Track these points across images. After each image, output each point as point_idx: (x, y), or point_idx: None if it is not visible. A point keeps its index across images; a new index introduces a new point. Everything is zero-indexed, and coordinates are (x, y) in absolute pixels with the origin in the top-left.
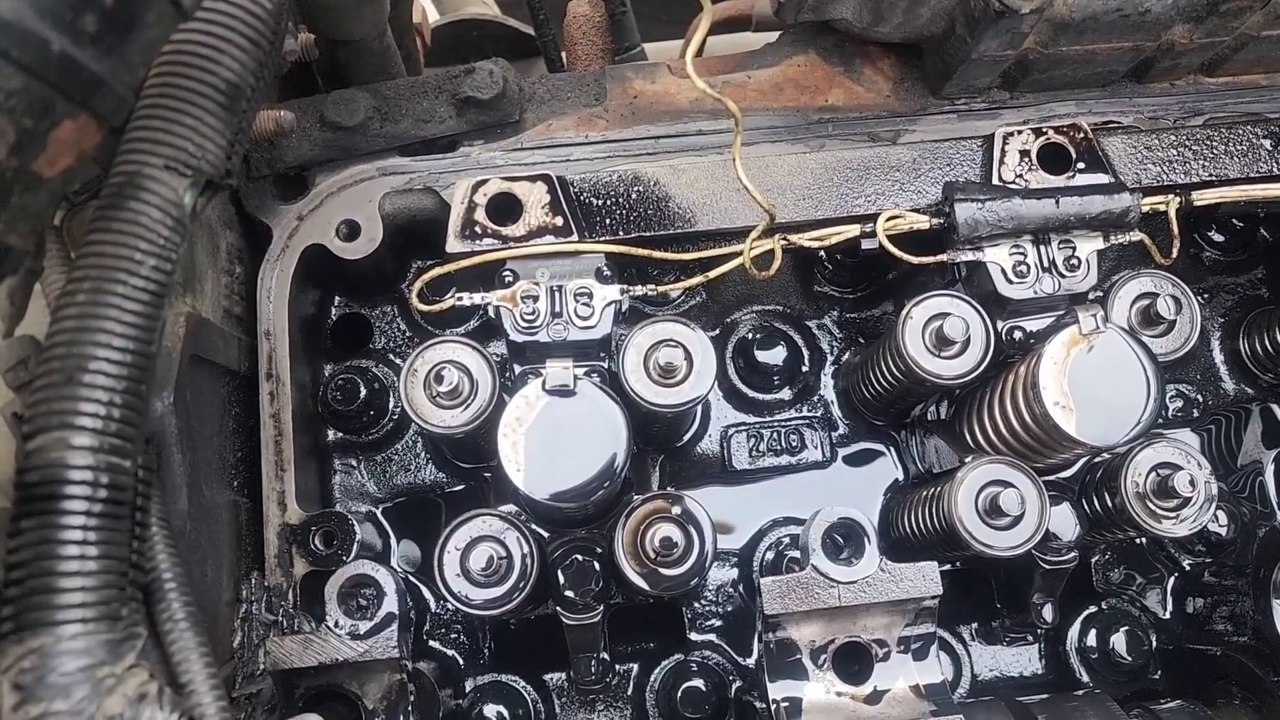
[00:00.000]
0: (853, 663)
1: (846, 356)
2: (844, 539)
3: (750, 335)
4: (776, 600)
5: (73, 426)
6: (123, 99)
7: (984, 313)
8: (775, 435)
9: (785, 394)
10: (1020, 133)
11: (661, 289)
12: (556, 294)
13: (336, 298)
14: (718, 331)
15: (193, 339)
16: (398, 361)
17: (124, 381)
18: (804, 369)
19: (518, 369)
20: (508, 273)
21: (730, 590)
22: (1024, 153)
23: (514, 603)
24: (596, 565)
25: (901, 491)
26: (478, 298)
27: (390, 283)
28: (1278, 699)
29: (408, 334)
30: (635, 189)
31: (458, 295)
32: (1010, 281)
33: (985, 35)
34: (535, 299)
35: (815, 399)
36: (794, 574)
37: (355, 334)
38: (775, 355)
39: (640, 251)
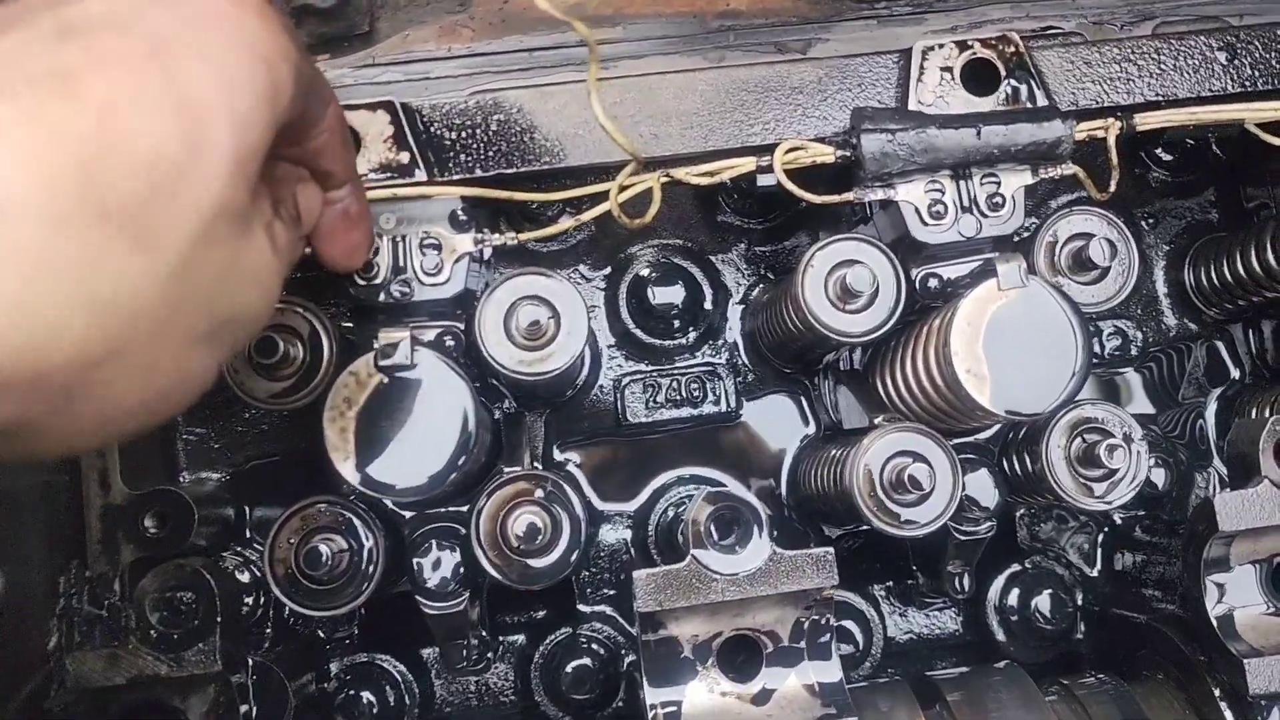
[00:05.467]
0: (741, 657)
1: (755, 294)
2: (731, 523)
3: (647, 273)
4: (651, 596)
5: None
6: None
7: (895, 260)
8: (675, 385)
9: (686, 338)
10: (942, 46)
11: (522, 237)
12: (400, 245)
13: None
14: (610, 269)
15: None
16: None
17: None
18: (706, 309)
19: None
20: None
21: (625, 556)
22: (946, 70)
23: (360, 600)
24: (458, 551)
25: (813, 444)
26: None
27: None
28: (1202, 678)
29: None
30: (495, 118)
31: None
32: (925, 224)
33: None
34: (376, 252)
35: (720, 343)
36: (671, 566)
37: None
38: (674, 294)
39: (496, 194)
